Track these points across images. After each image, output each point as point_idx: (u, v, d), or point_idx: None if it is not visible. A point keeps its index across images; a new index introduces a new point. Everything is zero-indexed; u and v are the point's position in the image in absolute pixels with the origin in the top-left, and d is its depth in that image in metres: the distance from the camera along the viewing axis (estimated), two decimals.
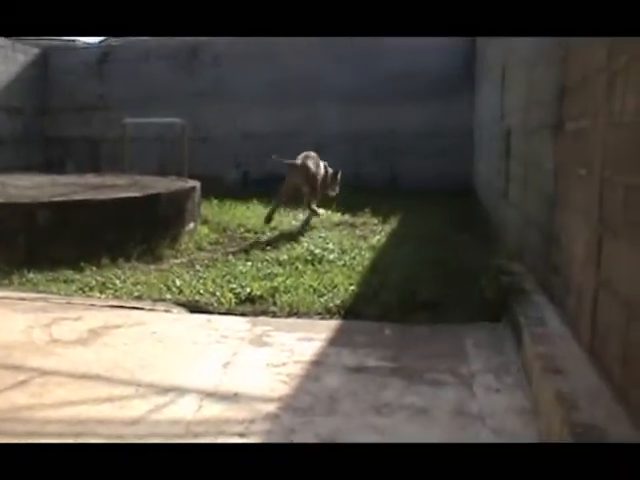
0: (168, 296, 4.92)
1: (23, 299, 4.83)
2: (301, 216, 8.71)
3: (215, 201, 9.99)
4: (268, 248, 6.80)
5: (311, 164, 8.16)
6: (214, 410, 2.96)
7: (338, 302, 4.63)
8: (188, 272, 5.69)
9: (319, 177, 8.33)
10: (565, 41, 3.62)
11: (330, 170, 8.77)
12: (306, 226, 8.13)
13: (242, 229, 7.93)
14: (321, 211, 8.61)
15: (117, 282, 5.29)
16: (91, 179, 8.59)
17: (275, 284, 5.07)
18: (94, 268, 5.64)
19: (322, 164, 8.50)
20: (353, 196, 9.87)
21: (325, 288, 5.03)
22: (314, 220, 8.38)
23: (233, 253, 6.58)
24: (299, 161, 8.11)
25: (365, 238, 7.39)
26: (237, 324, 4.28)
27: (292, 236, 7.47)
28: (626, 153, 2.42)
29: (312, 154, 8.34)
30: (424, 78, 12.59)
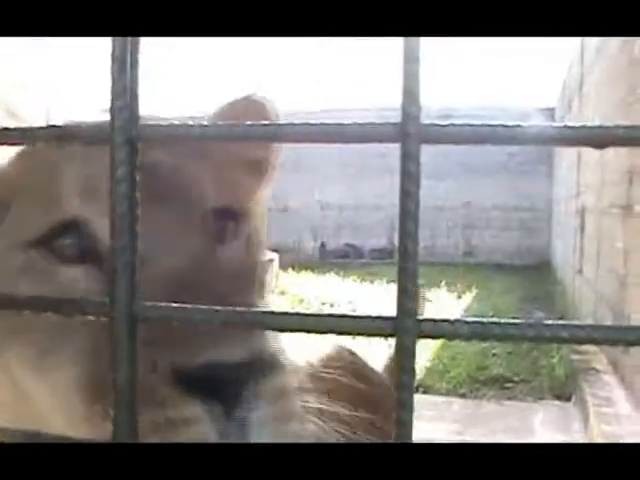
0: None
1: None
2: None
3: (292, 272, 10.12)
4: None
5: None
6: None
7: None
8: None
9: None
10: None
11: None
12: None
13: (319, 301, 7.99)
14: None
15: None
16: None
17: None
18: None
19: None
20: (427, 270, 9.86)
21: None
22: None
23: None
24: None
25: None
26: None
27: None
28: None
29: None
30: (499, 151, 12.63)
